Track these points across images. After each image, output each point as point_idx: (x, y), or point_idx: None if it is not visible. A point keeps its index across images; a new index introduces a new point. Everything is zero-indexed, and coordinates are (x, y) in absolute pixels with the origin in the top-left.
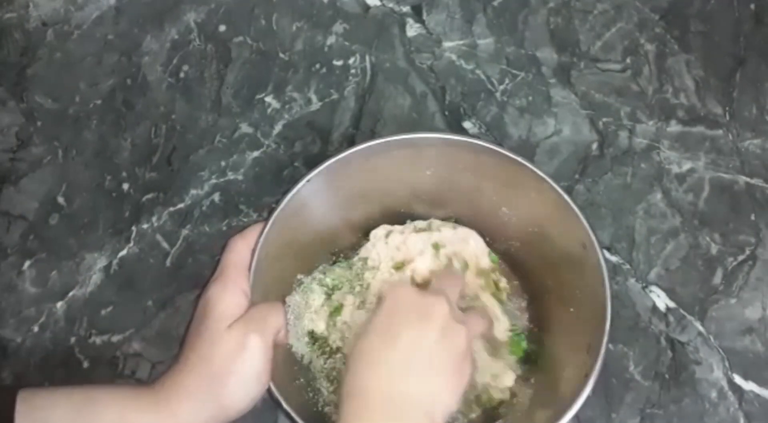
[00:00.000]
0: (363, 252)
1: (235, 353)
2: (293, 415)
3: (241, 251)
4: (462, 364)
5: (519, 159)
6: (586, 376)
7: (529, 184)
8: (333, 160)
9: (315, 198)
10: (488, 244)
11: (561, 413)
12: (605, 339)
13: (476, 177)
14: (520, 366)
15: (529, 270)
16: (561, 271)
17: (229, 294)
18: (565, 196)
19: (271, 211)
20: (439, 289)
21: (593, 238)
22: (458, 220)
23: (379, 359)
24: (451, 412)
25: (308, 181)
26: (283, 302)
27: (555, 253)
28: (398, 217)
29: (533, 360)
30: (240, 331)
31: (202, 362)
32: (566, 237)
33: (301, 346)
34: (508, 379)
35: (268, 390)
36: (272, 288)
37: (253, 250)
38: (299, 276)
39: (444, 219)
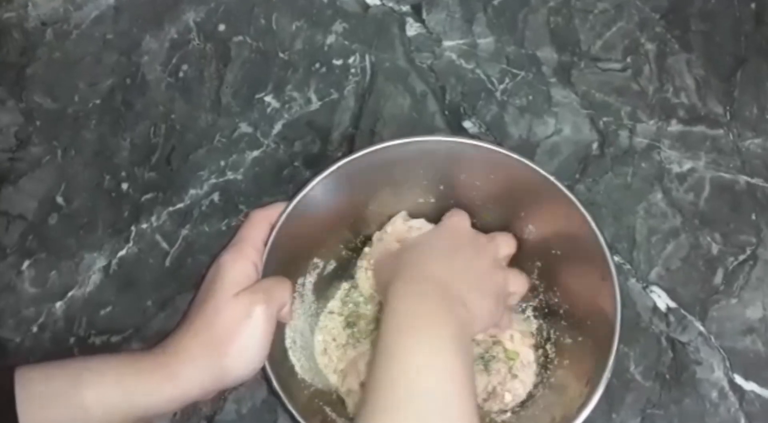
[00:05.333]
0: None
1: (239, 320)
2: (281, 394)
3: (259, 225)
4: (499, 303)
5: (552, 179)
6: (579, 408)
7: (558, 207)
8: (365, 151)
9: (340, 186)
10: (511, 259)
11: None
12: (606, 375)
13: (507, 190)
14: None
15: (545, 292)
16: (576, 298)
17: (240, 264)
18: (593, 226)
19: (296, 192)
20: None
21: (613, 271)
22: (483, 231)
23: (438, 259)
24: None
25: (338, 167)
26: (294, 282)
27: (573, 279)
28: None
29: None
30: (246, 300)
31: (206, 327)
32: (587, 266)
33: (302, 330)
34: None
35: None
36: (286, 267)
37: (273, 227)
38: (315, 260)
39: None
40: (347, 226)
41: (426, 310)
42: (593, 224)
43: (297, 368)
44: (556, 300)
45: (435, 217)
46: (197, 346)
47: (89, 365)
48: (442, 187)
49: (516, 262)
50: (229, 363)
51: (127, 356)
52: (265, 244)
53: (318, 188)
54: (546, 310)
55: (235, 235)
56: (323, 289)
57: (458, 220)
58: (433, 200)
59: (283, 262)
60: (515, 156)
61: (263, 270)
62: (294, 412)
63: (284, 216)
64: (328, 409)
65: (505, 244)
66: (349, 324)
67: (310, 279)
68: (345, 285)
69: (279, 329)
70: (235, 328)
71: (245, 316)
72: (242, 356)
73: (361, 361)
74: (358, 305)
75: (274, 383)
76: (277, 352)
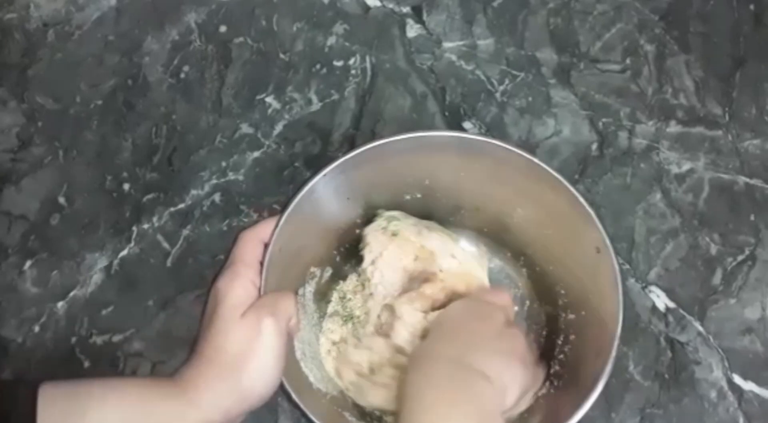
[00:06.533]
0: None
1: (251, 339)
2: (303, 407)
3: (250, 244)
4: (526, 363)
5: (535, 160)
6: (595, 380)
7: (544, 187)
8: (349, 155)
9: (329, 193)
10: (503, 245)
11: (569, 414)
12: (616, 343)
13: (493, 177)
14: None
15: (542, 273)
16: (574, 274)
17: (237, 284)
18: (581, 199)
19: (285, 205)
20: (493, 300)
21: (607, 241)
22: (471, 221)
23: (442, 337)
24: (517, 399)
25: (324, 175)
26: (296, 293)
27: (568, 256)
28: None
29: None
30: (253, 317)
31: (217, 353)
32: (580, 240)
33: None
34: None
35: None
36: (285, 281)
37: (267, 244)
38: (312, 269)
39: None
40: (339, 232)
41: (438, 393)
42: (581, 199)
43: (311, 379)
44: (553, 278)
45: (425, 213)
46: (212, 373)
47: (113, 386)
48: (427, 182)
49: (508, 245)
50: (248, 383)
51: (150, 380)
52: (261, 262)
53: (306, 199)
54: (544, 291)
55: (227, 259)
56: (322, 296)
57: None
58: (419, 196)
59: (282, 276)
60: (496, 142)
61: (264, 287)
62: None
63: (277, 231)
64: (347, 414)
65: (506, 304)
66: (346, 320)
67: (309, 288)
68: (339, 285)
69: (288, 342)
70: (248, 347)
71: (256, 334)
72: (260, 374)
73: (354, 353)
74: (351, 300)
75: (294, 397)
76: (290, 365)
